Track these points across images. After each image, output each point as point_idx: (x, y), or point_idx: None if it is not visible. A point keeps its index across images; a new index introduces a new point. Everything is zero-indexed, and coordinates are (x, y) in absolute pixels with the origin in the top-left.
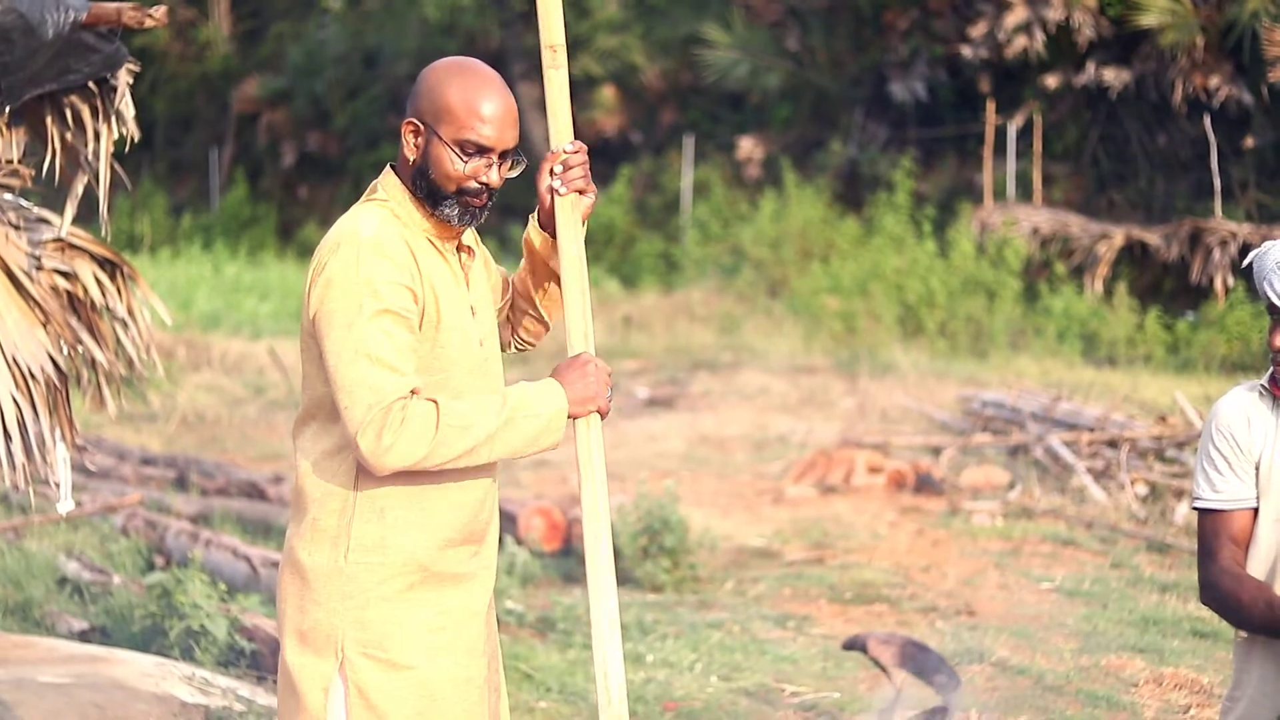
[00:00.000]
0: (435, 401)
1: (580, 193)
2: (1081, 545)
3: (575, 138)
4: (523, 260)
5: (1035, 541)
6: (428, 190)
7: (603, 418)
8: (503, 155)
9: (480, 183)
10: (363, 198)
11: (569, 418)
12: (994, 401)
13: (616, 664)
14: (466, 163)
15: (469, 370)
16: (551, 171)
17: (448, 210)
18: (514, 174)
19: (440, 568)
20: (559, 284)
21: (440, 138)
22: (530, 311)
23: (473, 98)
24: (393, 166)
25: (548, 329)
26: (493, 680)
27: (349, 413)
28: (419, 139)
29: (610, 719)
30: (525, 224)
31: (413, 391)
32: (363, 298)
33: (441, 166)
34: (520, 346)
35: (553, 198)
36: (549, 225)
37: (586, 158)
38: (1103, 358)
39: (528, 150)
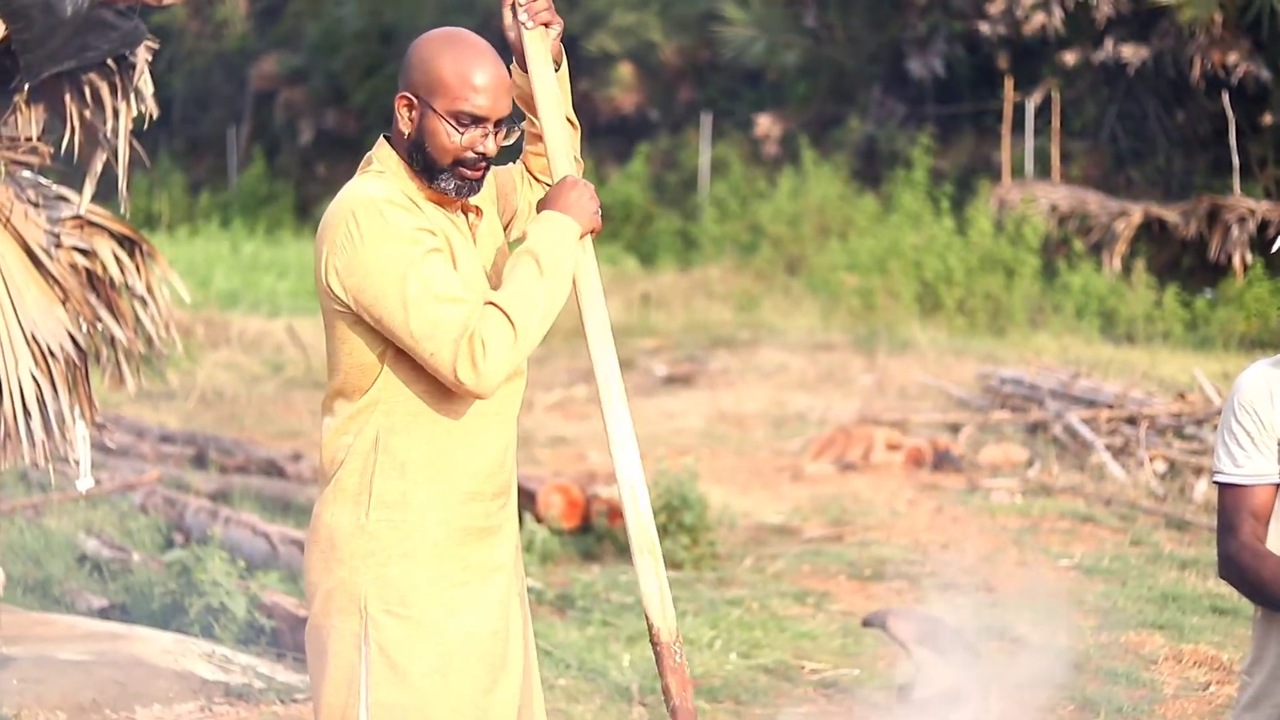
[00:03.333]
0: (494, 304)
1: (546, 25)
2: (1100, 522)
3: (590, 111)
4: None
5: (1054, 518)
6: (424, 164)
7: (595, 235)
8: (497, 124)
9: (477, 153)
10: (359, 171)
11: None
12: (1012, 379)
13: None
14: (463, 134)
15: None
16: (514, 7)
17: (444, 183)
18: (509, 141)
19: (464, 522)
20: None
21: (435, 110)
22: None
23: (465, 68)
24: (386, 138)
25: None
26: (526, 634)
27: (438, 357)
28: (413, 113)
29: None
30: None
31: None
32: (404, 247)
33: (437, 139)
34: None
35: (520, 35)
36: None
37: None
38: (1121, 335)
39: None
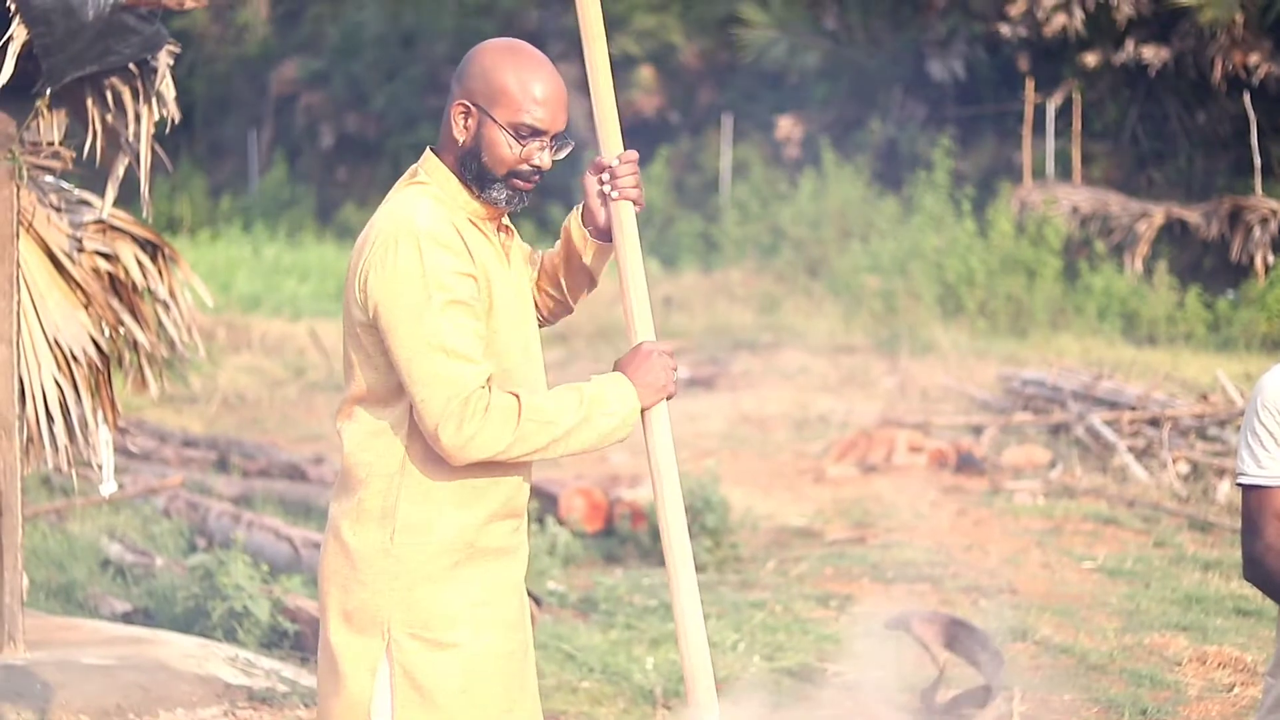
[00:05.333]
0: (516, 395)
1: (634, 201)
2: (1123, 524)
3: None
4: (558, 244)
5: (1077, 520)
6: (477, 173)
7: (669, 399)
8: (553, 138)
9: (532, 165)
10: (402, 181)
11: (641, 410)
12: (1035, 380)
13: (702, 651)
14: (522, 146)
15: (518, 352)
16: (601, 179)
17: (495, 193)
18: (562, 156)
19: (485, 543)
20: (589, 278)
21: (494, 120)
22: (554, 294)
23: (527, 80)
24: (433, 149)
25: (571, 312)
26: (528, 652)
27: (426, 406)
28: (470, 120)
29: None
30: (564, 206)
31: (489, 380)
32: (430, 290)
33: (496, 149)
34: (540, 323)
35: (605, 204)
36: (591, 224)
37: (637, 165)
38: (1143, 336)
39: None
